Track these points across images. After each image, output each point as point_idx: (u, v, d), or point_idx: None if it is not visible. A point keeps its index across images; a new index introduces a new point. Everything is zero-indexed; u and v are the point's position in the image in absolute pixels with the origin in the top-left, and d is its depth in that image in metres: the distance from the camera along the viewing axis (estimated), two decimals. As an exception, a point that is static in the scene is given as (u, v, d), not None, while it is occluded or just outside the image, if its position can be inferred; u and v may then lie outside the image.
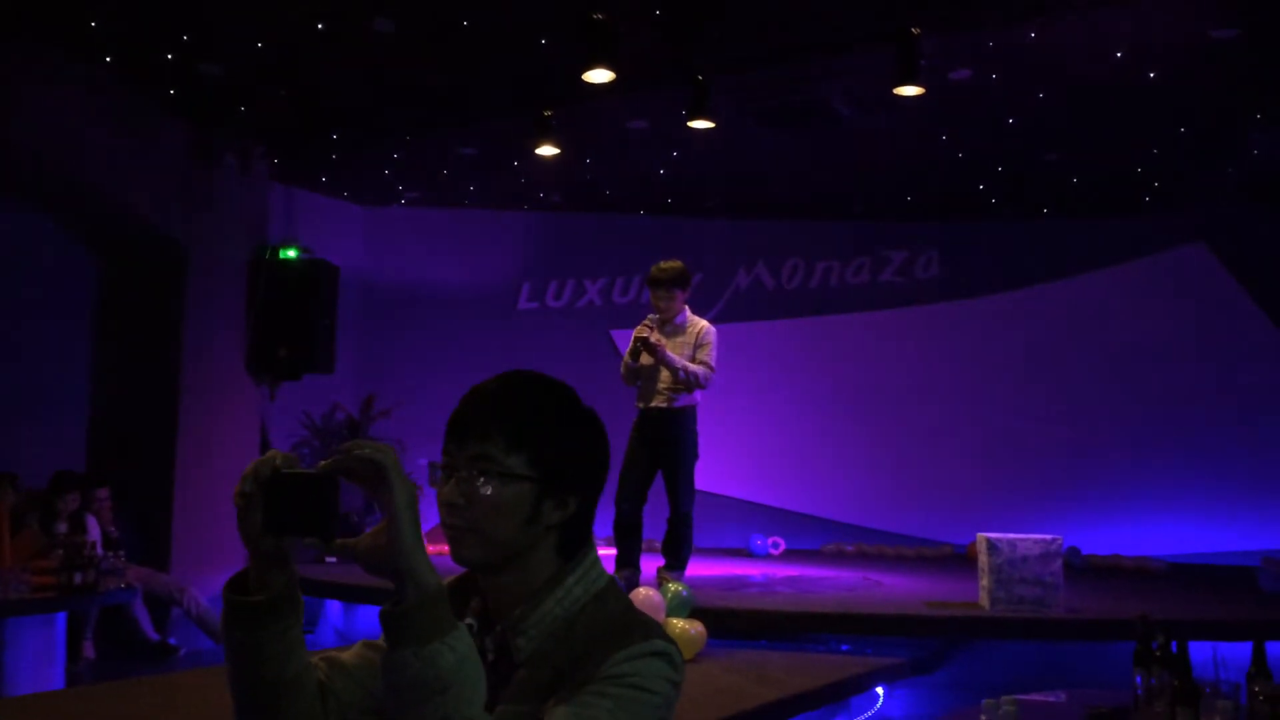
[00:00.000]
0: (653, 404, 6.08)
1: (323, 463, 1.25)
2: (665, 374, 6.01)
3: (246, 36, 6.69)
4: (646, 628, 1.40)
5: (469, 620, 1.45)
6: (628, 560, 6.17)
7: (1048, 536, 5.88)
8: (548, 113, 7.41)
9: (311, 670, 1.42)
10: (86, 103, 7.26)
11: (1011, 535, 5.89)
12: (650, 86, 7.13)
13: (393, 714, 1.22)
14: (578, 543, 1.47)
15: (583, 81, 6.40)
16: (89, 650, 7.03)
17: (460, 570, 1.50)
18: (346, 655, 1.51)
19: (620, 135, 8.33)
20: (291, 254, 8.78)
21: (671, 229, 10.54)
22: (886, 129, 8.07)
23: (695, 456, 6.17)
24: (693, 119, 7.00)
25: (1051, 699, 3.45)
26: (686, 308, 6.18)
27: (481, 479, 1.40)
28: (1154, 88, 7.25)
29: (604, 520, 6.23)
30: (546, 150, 7.64)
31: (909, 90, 6.35)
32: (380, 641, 1.48)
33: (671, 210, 10.55)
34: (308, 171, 9.38)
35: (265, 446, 8.92)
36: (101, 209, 7.89)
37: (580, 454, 1.48)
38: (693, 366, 5.96)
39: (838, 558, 9.41)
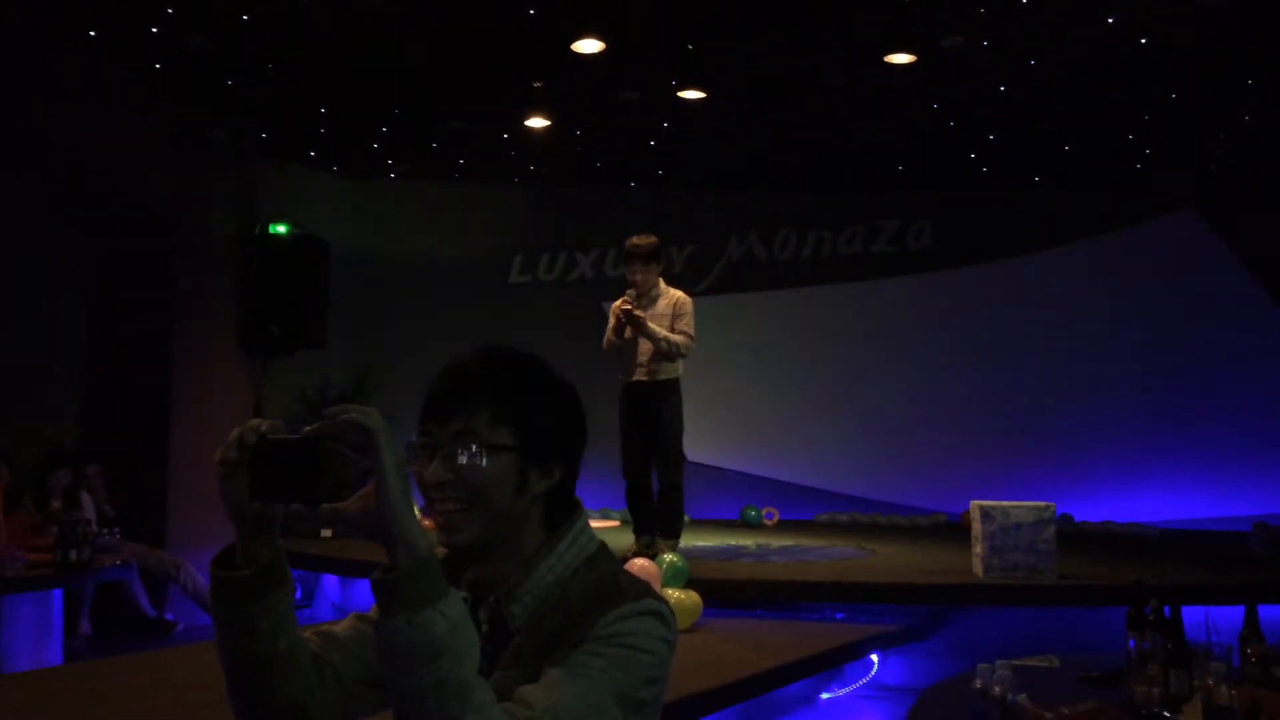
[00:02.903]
0: (635, 377, 6.19)
1: (308, 427, 1.24)
2: (645, 347, 6.12)
3: (233, 9, 6.63)
4: (638, 588, 1.41)
5: (463, 594, 1.44)
6: (646, 527, 6.30)
7: (1041, 504, 5.90)
8: (537, 84, 7.37)
9: (304, 644, 1.41)
10: (73, 79, 7.20)
11: (1005, 503, 5.92)
12: (640, 57, 7.08)
13: (387, 681, 1.22)
14: (564, 511, 1.48)
15: (572, 52, 6.37)
16: (86, 626, 7.05)
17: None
18: (339, 628, 1.51)
19: (611, 106, 8.29)
20: (282, 229, 8.74)
21: (663, 200, 10.52)
22: (878, 98, 8.04)
23: (681, 427, 6.26)
24: (683, 89, 6.97)
25: (1045, 664, 3.47)
26: (661, 280, 6.29)
27: (468, 453, 1.39)
28: (1145, 54, 7.22)
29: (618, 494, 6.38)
30: (537, 122, 7.61)
31: (901, 58, 6.33)
32: (372, 613, 1.48)
33: (663, 181, 10.52)
34: (297, 145, 9.32)
35: (258, 422, 8.90)
36: (90, 185, 7.86)
37: (561, 423, 1.48)
38: (674, 336, 6.08)
39: (831, 527, 9.44)
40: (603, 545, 1.50)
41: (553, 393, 1.50)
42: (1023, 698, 2.90)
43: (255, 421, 1.30)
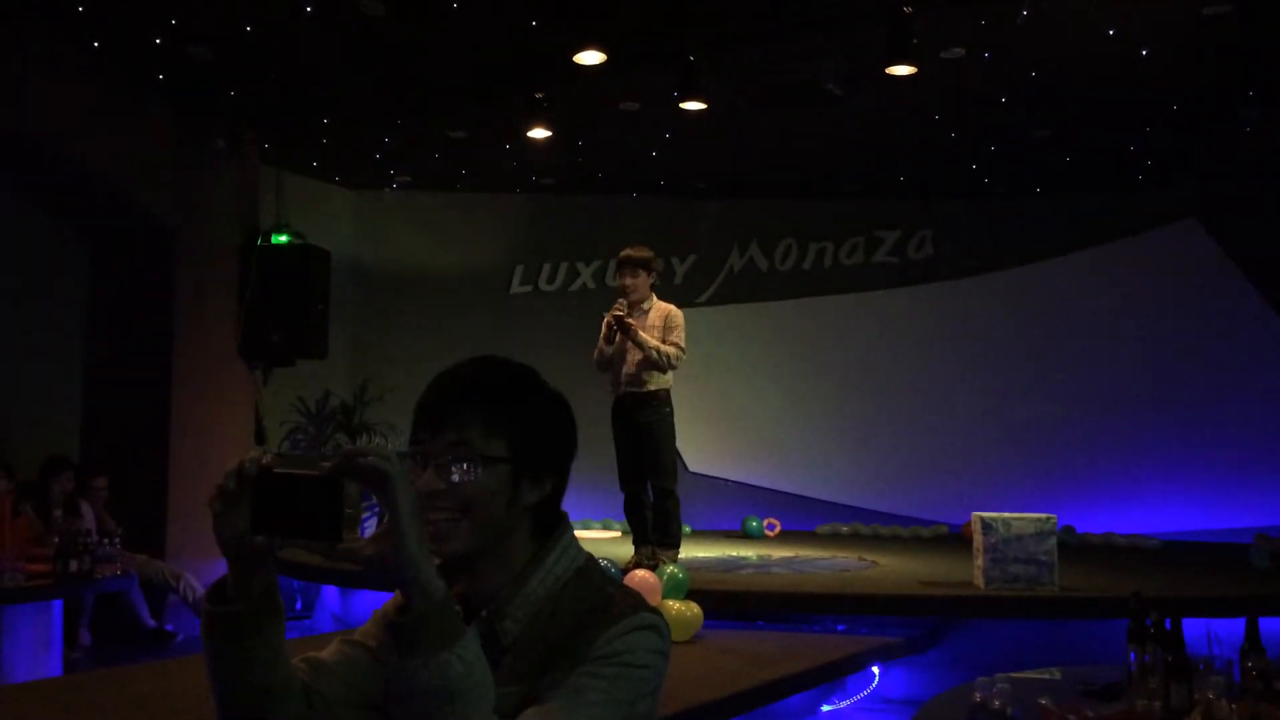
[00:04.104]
0: (624, 389, 6.25)
1: (324, 464, 1.23)
2: (633, 358, 6.17)
3: (235, 19, 6.65)
4: (632, 602, 1.42)
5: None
6: (644, 538, 6.34)
7: (1042, 515, 5.89)
8: (539, 95, 7.39)
9: (294, 672, 1.42)
10: (75, 87, 7.21)
11: (1006, 514, 5.91)
12: (641, 67, 7.10)
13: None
14: (553, 523, 1.49)
15: (574, 63, 6.38)
16: (85, 637, 7.04)
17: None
18: (326, 654, 1.51)
19: (612, 116, 8.30)
20: (283, 239, 8.75)
21: (664, 210, 10.53)
22: (879, 108, 8.04)
23: (672, 436, 6.30)
24: (684, 100, 6.98)
25: (1045, 676, 3.46)
26: (654, 294, 6.36)
27: (462, 465, 1.40)
28: (1146, 64, 7.23)
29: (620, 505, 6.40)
30: (538, 132, 7.62)
31: (901, 69, 6.33)
32: (357, 637, 1.52)
33: (664, 191, 10.53)
34: (298, 155, 9.33)
35: (259, 432, 8.91)
36: (91, 194, 7.86)
37: (553, 434, 1.49)
38: (665, 347, 6.13)
39: (833, 538, 9.42)
40: (591, 558, 1.51)
41: (545, 404, 1.50)
42: (1045, 700, 2.91)
43: (256, 452, 1.28)
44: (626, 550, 6.58)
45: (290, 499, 1.23)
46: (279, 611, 1.36)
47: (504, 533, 1.43)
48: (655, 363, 6.12)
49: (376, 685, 1.46)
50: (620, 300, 6.23)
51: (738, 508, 9.93)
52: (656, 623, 1.40)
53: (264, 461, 1.26)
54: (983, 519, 5.92)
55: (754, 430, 10.52)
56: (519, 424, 1.44)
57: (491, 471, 1.40)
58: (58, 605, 6.05)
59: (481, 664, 1.23)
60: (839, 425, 10.43)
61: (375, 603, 1.24)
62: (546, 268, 10.74)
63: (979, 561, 5.95)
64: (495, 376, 1.48)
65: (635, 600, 1.42)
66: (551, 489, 1.47)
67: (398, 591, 1.23)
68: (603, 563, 5.46)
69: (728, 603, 5.98)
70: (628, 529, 6.68)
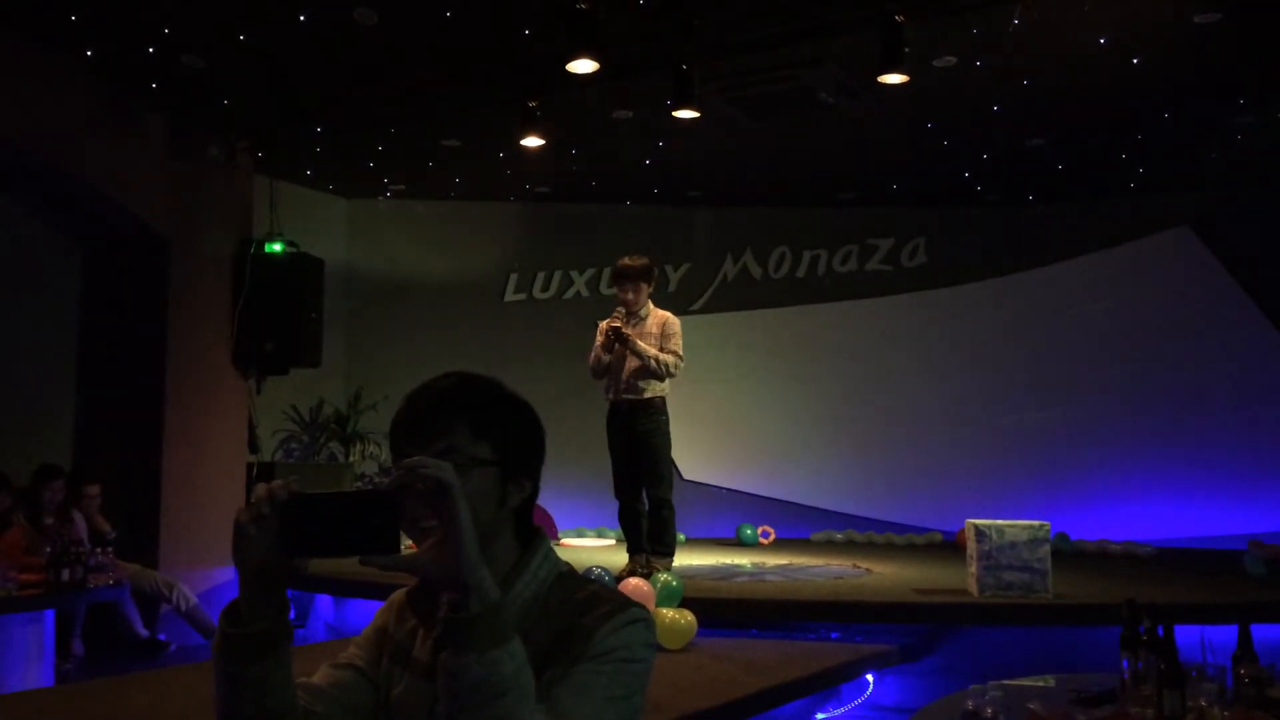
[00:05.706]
0: (620, 396, 6.23)
1: (380, 479, 1.28)
2: (630, 366, 6.18)
3: (228, 29, 6.66)
4: (619, 598, 1.48)
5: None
6: (639, 546, 6.35)
7: (1035, 522, 5.89)
8: (533, 103, 7.40)
9: (296, 695, 1.46)
10: (68, 96, 7.21)
11: (999, 521, 5.91)
12: (634, 76, 7.12)
13: (449, 716, 1.28)
14: (531, 530, 1.55)
15: (567, 72, 6.40)
16: (78, 647, 7.02)
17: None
18: (317, 679, 1.56)
19: (605, 125, 8.32)
20: (276, 247, 8.75)
21: (658, 218, 10.55)
22: (871, 117, 8.07)
23: (667, 444, 6.30)
24: (677, 108, 6.99)
25: (1039, 684, 3.46)
26: (650, 301, 6.37)
27: (454, 468, 1.42)
28: (1138, 73, 7.26)
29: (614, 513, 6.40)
30: (531, 141, 7.63)
31: (893, 78, 6.35)
32: (343, 660, 1.58)
33: (658, 200, 10.54)
34: (291, 164, 9.34)
35: (252, 441, 8.89)
36: (85, 203, 7.85)
37: (529, 438, 1.56)
38: (664, 355, 6.14)
39: (827, 546, 9.43)
40: (570, 565, 1.57)
41: (518, 409, 1.57)
42: (1035, 704, 2.91)
43: (283, 480, 1.33)
44: (621, 558, 6.58)
45: (337, 517, 1.28)
46: (291, 633, 1.40)
47: (493, 535, 1.48)
48: (654, 371, 6.12)
49: (368, 702, 1.53)
50: (618, 310, 6.24)
51: (732, 515, 9.93)
52: (645, 616, 1.46)
53: (292, 488, 1.31)
54: (976, 526, 5.92)
55: (748, 438, 10.53)
56: (500, 427, 1.51)
57: (482, 474, 1.46)
58: (50, 615, 6.03)
59: (527, 667, 1.28)
60: (833, 433, 10.44)
61: (369, 610, 1.26)
62: (540, 276, 10.75)
63: (973, 569, 5.95)
64: (471, 386, 1.55)
65: (621, 596, 1.49)
66: (530, 491, 1.54)
67: (446, 595, 1.29)
68: (597, 571, 5.46)
69: (722, 610, 5.97)
70: (622, 537, 6.67)
